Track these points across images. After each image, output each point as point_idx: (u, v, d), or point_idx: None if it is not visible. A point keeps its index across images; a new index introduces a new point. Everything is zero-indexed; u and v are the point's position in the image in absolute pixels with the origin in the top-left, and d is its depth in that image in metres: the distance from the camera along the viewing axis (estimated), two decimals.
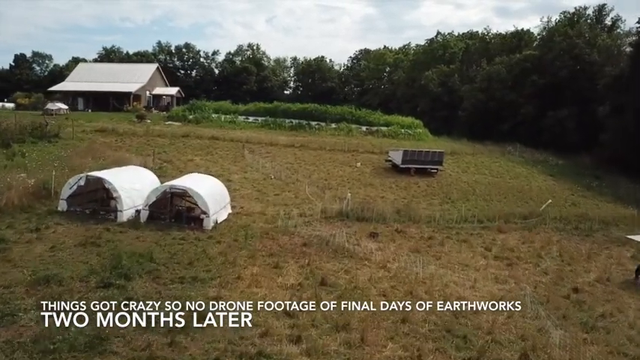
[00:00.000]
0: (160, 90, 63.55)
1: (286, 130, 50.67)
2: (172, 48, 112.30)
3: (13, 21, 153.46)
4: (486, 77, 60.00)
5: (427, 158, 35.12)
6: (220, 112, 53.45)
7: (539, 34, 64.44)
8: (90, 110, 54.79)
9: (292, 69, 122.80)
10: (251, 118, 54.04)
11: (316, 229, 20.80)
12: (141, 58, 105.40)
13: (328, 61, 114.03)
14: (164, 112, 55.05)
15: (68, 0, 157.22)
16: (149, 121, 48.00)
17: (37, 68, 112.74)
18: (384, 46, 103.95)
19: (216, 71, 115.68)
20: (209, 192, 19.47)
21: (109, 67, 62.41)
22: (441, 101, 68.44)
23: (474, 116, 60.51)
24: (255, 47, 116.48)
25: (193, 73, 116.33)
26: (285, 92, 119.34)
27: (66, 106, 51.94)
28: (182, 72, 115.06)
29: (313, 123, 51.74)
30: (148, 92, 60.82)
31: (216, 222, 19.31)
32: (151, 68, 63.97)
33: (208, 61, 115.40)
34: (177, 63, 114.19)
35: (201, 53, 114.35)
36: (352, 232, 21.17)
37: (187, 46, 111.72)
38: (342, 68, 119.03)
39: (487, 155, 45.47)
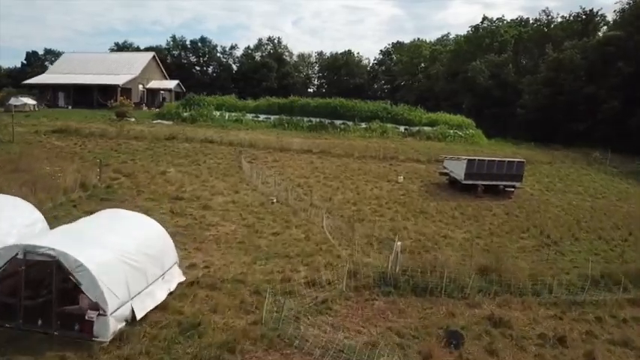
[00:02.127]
0: (155, 83, 54.17)
1: (304, 130, 40.58)
2: (187, 42, 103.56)
3: (50, 26, 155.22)
4: (554, 66, 48.50)
5: (501, 171, 24.33)
6: (224, 108, 43.66)
7: (619, 11, 52.19)
8: (70, 107, 45.85)
9: (316, 65, 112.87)
10: (262, 117, 44.12)
11: (339, 327, 10.47)
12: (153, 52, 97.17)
13: (356, 54, 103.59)
14: (158, 109, 45.56)
15: (101, 4, 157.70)
16: (132, 119, 38.57)
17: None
18: (417, 39, 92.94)
19: (234, 67, 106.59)
20: (113, 260, 9.29)
21: (96, 57, 53.35)
22: (491, 97, 57.10)
23: (537, 114, 49.10)
24: (276, 41, 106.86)
25: (210, 69, 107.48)
26: (309, 90, 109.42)
27: (34, 102, 42.96)
28: (197, 68, 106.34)
29: (338, 122, 41.48)
30: (141, 86, 51.64)
31: (129, 320, 9.22)
32: (146, 58, 54.56)
33: (225, 56, 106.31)
34: (192, 59, 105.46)
35: (218, 48, 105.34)
36: (406, 327, 10.82)
37: (203, 40, 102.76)
38: (372, 63, 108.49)
39: (569, 164, 34.31)
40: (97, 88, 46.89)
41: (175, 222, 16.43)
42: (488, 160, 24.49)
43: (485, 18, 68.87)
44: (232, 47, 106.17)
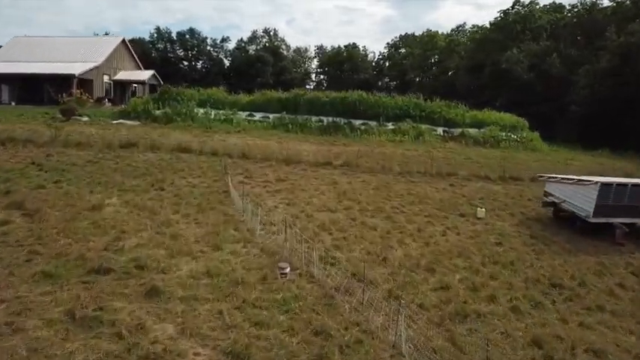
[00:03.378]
0: (125, 74, 44.39)
1: (313, 133, 31.07)
2: (173, 34, 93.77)
3: (39, 27, 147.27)
4: (620, 51, 39.12)
5: None
6: (209, 105, 34.02)
7: None
8: (14, 103, 36.09)
9: (315, 60, 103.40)
10: (258, 115, 34.57)
11: None
12: (134, 46, 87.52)
13: (361, 48, 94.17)
14: (125, 105, 35.87)
15: (93, 6, 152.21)
16: (85, 118, 28.94)
17: None
18: (429, 29, 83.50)
19: (227, 62, 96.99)
20: None
21: (51, 42, 43.15)
22: (533, 91, 47.73)
23: (597, 111, 39.77)
24: (272, 33, 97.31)
25: (199, 64, 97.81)
26: (307, 87, 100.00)
27: None
28: (185, 63, 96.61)
29: (357, 122, 32.02)
30: (106, 77, 41.88)
31: None
32: (112, 43, 44.39)
33: (216, 49, 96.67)
34: (179, 52, 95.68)
35: (209, 41, 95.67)
36: None
37: (192, 32, 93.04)
38: (377, 57, 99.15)
39: None
40: (49, 79, 37.03)
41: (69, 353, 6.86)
42: (632, 185, 14.96)
43: (516, 2, 59.38)
44: (224, 40, 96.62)
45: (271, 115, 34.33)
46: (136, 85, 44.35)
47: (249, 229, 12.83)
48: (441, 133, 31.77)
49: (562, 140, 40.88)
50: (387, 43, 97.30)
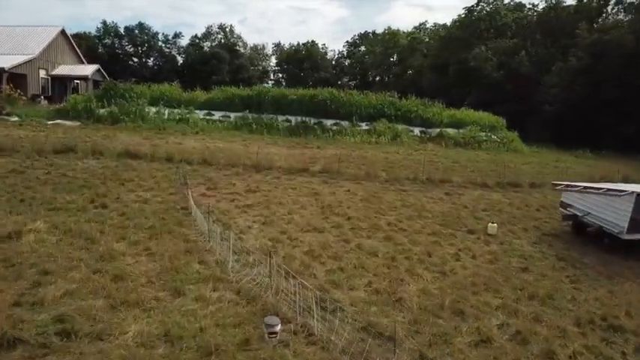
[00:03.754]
0: (65, 69, 39.95)
1: (280, 134, 28.07)
2: (121, 29, 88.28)
3: None
4: (592, 50, 38.10)
5: None
6: (162, 103, 30.36)
7: None
8: None
9: (273, 57, 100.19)
10: (217, 114, 31.22)
11: None
12: (79, 41, 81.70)
13: (320, 46, 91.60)
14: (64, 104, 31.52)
15: (37, 1, 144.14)
16: (15, 118, 24.80)
17: None
18: (389, 27, 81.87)
19: (180, 59, 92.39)
20: None
21: None
22: (503, 90, 46.43)
23: (570, 110, 38.68)
24: (227, 29, 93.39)
25: (150, 61, 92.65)
26: (265, 85, 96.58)
27: None
28: (135, 60, 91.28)
29: (328, 122, 29.26)
30: (43, 72, 37.24)
31: None
32: (50, 34, 39.33)
33: (169, 45, 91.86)
34: (128, 48, 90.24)
35: (160, 36, 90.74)
36: None
37: (141, 26, 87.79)
38: (337, 55, 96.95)
39: None
40: None
41: None
42: None
43: (480, 0, 58.34)
44: (176, 36, 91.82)
45: (232, 115, 31.05)
46: (78, 81, 39.75)
47: (218, 262, 9.73)
48: (418, 134, 29.49)
49: (534, 140, 39.55)
50: (347, 42, 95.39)
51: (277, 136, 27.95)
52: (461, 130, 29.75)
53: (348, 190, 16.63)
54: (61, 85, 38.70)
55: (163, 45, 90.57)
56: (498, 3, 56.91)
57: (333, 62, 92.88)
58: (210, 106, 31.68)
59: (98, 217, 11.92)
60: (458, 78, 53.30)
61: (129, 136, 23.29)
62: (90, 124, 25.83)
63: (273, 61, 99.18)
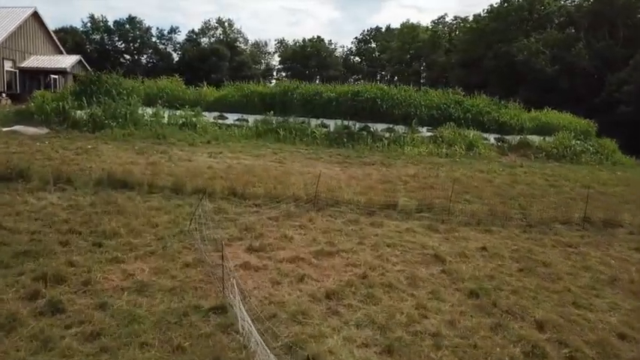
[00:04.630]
0: (38, 61, 32.59)
1: (317, 144, 21.19)
2: (110, 24, 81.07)
3: None
4: None
5: None
6: (161, 102, 23.29)
7: None
8: None
9: (276, 55, 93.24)
10: (231, 117, 24.26)
11: None
12: (64, 35, 74.58)
13: (327, 42, 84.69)
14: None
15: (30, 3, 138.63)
16: None
17: None
18: (407, 21, 75.06)
19: (175, 56, 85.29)
20: None
21: None
22: (558, 88, 39.74)
23: None
24: (226, 24, 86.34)
25: (143, 58, 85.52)
26: (269, 85, 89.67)
27: None
28: (127, 57, 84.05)
29: (380, 127, 22.39)
30: (9, 63, 29.87)
31: None
32: (18, 16, 31.23)
33: (164, 41, 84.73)
34: (119, 45, 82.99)
35: (154, 31, 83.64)
36: None
37: (132, 21, 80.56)
38: (345, 52, 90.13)
39: None
40: None
41: None
42: None
43: None
44: (172, 31, 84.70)
45: (251, 118, 24.07)
46: (54, 75, 32.41)
47: None
48: (494, 142, 22.66)
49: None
50: (356, 38, 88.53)
51: (314, 146, 21.01)
52: (547, 138, 22.94)
53: (483, 248, 9.71)
54: (33, 80, 31.39)
55: (158, 41, 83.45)
56: None
57: (345, 58, 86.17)
58: (221, 106, 24.66)
59: (40, 344, 4.97)
60: (497, 74, 46.60)
61: (116, 149, 16.29)
62: (62, 131, 18.73)
63: (276, 58, 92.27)
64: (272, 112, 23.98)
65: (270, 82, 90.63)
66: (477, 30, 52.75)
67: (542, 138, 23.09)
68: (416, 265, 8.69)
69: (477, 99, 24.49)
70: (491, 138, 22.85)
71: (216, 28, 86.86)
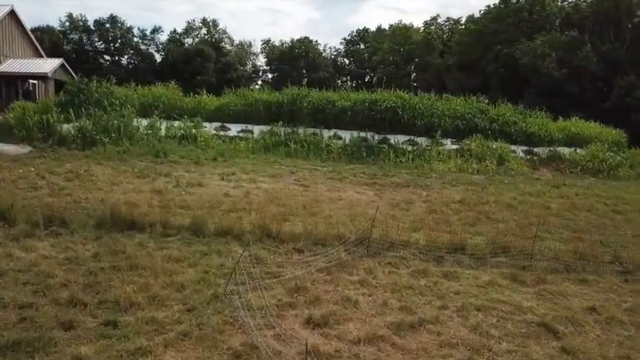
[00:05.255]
0: (16, 65, 28.50)
1: (334, 159, 19.12)
2: (90, 23, 77.71)
3: None
4: None
5: None
6: (157, 112, 20.90)
7: None
8: None
9: (261, 55, 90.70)
10: (234, 129, 22.03)
11: None
12: (41, 35, 71.08)
13: (314, 42, 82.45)
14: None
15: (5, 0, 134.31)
16: None
17: None
18: (400, 22, 73.23)
19: (158, 57, 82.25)
20: None
21: None
22: (565, 93, 38.38)
23: None
24: (211, 24, 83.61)
25: (124, 59, 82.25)
26: (255, 86, 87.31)
27: None
28: (107, 57, 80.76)
29: (401, 139, 20.41)
30: None
31: None
32: None
33: (146, 42, 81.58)
34: (99, 45, 79.61)
35: (135, 31, 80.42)
36: None
37: (113, 20, 77.33)
38: (333, 53, 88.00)
39: None
40: None
41: None
42: None
43: None
44: (154, 31, 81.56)
45: (256, 129, 21.87)
46: (33, 81, 29.32)
47: None
48: (523, 155, 20.89)
49: None
50: (344, 39, 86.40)
51: (330, 161, 18.92)
52: (579, 150, 21.27)
53: (592, 309, 7.80)
54: (10, 86, 28.37)
55: (140, 41, 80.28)
56: None
57: (334, 60, 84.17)
58: (223, 116, 22.37)
59: None
60: (498, 77, 45.15)
61: (112, 171, 13.94)
62: (48, 149, 16.24)
63: (262, 59, 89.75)
64: (279, 122, 21.82)
65: (257, 84, 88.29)
66: (475, 31, 51.27)
67: (572, 149, 21.42)
68: (525, 341, 6.73)
69: (502, 108, 22.69)
70: (519, 150, 21.09)
71: (200, 29, 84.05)
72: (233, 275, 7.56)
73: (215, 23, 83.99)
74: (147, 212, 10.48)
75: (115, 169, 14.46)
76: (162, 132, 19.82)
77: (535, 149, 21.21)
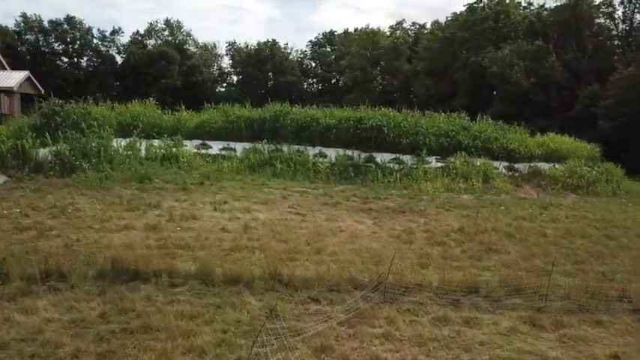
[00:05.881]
0: None
1: (322, 179, 18.87)
2: (45, 23, 74.50)
3: None
4: None
5: None
6: (137, 131, 20.07)
7: None
8: None
9: (226, 57, 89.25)
10: (215, 147, 21.42)
11: None
12: None
13: (283, 46, 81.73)
14: None
15: None
16: None
17: None
18: (367, 26, 73.38)
19: (119, 59, 79.70)
20: None
21: None
22: (531, 102, 39.46)
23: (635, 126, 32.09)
24: (174, 25, 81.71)
25: (83, 61, 79.33)
26: (220, 90, 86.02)
27: None
28: (65, 60, 77.70)
29: (385, 157, 20.36)
30: None
31: None
32: None
33: (106, 43, 78.93)
34: (56, 46, 76.48)
35: (95, 32, 77.67)
36: None
37: (70, 20, 74.41)
38: (298, 56, 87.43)
39: None
40: None
41: None
42: None
43: None
44: (115, 32, 78.98)
45: (238, 146, 21.36)
46: None
47: None
48: (504, 171, 21.23)
49: None
50: (310, 41, 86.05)
51: (318, 182, 18.66)
52: (557, 165, 21.80)
53: (615, 358, 7.90)
54: None
55: (99, 43, 77.55)
56: (503, 0, 50.04)
57: (300, 62, 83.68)
58: (203, 133, 21.72)
59: None
60: (466, 85, 45.96)
61: (99, 203, 13.16)
62: (24, 178, 15.26)
63: (227, 61, 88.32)
64: (262, 139, 21.38)
65: (223, 87, 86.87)
66: (443, 38, 51.98)
67: (552, 165, 21.92)
68: None
69: (483, 123, 23.00)
70: (501, 166, 21.42)
71: (164, 30, 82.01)
72: (257, 338, 7.20)
73: (179, 24, 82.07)
74: (147, 256, 9.93)
75: (101, 200, 13.72)
76: (143, 152, 19.05)
77: (516, 165, 21.59)
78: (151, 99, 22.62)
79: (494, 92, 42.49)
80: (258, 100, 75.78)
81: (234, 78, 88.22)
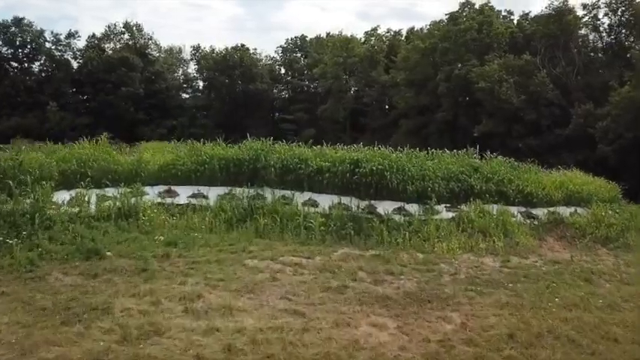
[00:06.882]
0: None
1: (315, 238, 15.64)
2: None
3: None
4: None
5: None
6: (86, 180, 16.27)
7: None
8: None
9: (192, 62, 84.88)
10: (184, 194, 17.84)
11: None
12: None
13: (252, 51, 77.85)
14: None
15: None
16: None
17: None
18: (340, 32, 70.17)
19: (75, 64, 74.42)
20: None
21: None
22: (524, 120, 37.23)
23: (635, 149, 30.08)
24: (135, 28, 76.83)
25: (35, 67, 73.74)
26: (185, 96, 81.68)
27: None
28: (15, 65, 72.05)
29: (388, 208, 17.24)
30: None
31: None
32: None
33: (60, 47, 73.51)
34: (4, 51, 70.69)
35: (47, 35, 72.16)
36: None
37: (18, 22, 68.73)
38: (267, 62, 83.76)
39: None
40: None
41: None
42: None
43: (466, 3, 48.91)
44: (70, 35, 73.65)
45: (212, 192, 17.80)
46: None
47: None
48: (522, 219, 18.43)
49: None
50: (281, 46, 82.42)
51: (313, 243, 15.37)
52: (579, 210, 19.16)
53: None
54: None
55: (53, 47, 72.00)
56: (489, 10, 47.80)
57: (271, 69, 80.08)
58: (169, 177, 18.05)
59: None
60: (450, 98, 43.50)
61: (23, 316, 9.47)
62: None
63: (192, 66, 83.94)
64: (241, 183, 17.92)
65: (188, 94, 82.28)
66: (423, 49, 49.38)
67: (573, 210, 19.27)
68: None
69: (496, 162, 20.11)
70: (518, 214, 18.59)
71: (123, 33, 77.06)
72: None
73: (139, 27, 77.39)
74: None
75: (27, 305, 9.98)
76: (93, 209, 15.28)
77: (534, 211, 18.82)
78: (103, 136, 18.64)
79: (482, 108, 40.04)
80: (226, 107, 71.53)
81: (201, 84, 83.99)
